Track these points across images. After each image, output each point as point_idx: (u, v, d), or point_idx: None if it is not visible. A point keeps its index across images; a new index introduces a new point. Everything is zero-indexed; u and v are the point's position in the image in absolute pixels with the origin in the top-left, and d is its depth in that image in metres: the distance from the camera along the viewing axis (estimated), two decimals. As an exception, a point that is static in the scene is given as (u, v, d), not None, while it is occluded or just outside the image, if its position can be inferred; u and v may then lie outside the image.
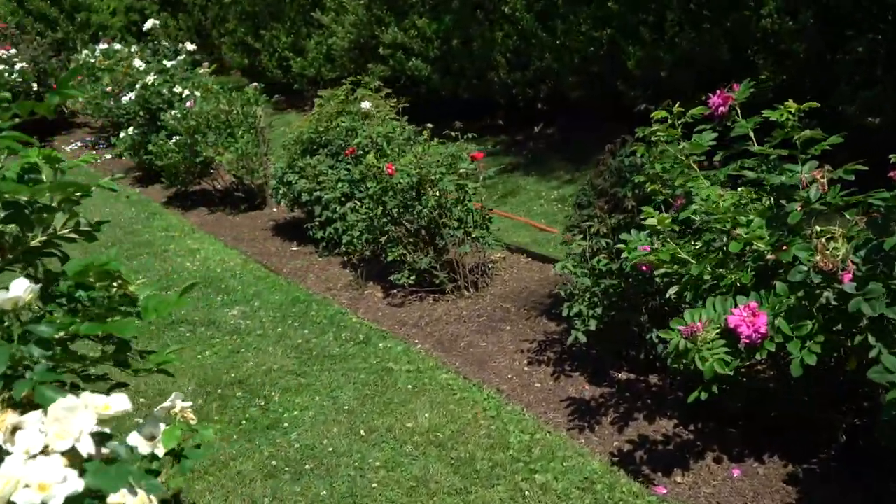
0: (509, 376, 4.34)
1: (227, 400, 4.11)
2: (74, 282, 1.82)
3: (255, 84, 7.93)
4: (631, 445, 3.65)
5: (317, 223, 6.27)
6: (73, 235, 1.94)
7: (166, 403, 1.92)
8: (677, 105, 3.63)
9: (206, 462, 3.55)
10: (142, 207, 7.69)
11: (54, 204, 2.13)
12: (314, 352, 4.64)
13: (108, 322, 1.70)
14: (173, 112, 7.48)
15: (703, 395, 3.04)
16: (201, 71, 8.73)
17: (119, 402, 1.50)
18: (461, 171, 5.28)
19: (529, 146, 8.73)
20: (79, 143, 10.85)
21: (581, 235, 4.32)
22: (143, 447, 1.91)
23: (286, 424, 3.86)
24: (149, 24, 9.07)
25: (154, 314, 1.82)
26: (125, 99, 8.35)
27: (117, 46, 9.86)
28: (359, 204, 5.76)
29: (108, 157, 9.90)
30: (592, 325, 4.08)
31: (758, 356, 2.96)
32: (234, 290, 5.58)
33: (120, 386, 2.40)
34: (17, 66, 10.00)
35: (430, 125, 5.62)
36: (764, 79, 6.46)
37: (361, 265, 5.96)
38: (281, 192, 6.50)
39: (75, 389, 2.12)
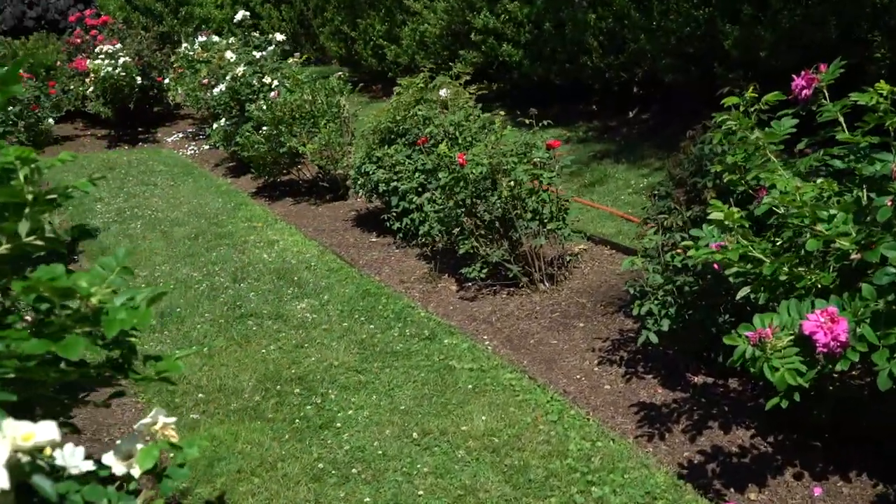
0: (578, 377, 4.09)
1: (285, 397, 4.02)
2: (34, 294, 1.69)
3: (340, 73, 7.86)
4: (702, 457, 3.36)
5: (394, 214, 6.14)
6: (39, 243, 1.81)
7: (146, 419, 1.79)
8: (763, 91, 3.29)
9: (253, 462, 3.45)
10: (230, 198, 7.75)
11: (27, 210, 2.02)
12: (377, 348, 4.50)
13: (57, 341, 1.56)
14: (258, 103, 7.49)
15: (784, 404, 2.72)
16: (291, 61, 8.73)
17: (46, 431, 1.36)
18: (535, 160, 5.03)
19: (622, 132, 8.36)
20: (180, 135, 11.10)
21: (655, 228, 4.02)
22: (119, 467, 1.79)
23: (339, 424, 3.73)
24: (239, 16, 9.13)
25: (117, 329, 1.68)
26: (216, 90, 8.44)
27: (215, 38, 9.99)
28: (435, 195, 5.59)
29: (206, 147, 10.06)
30: (665, 325, 3.78)
31: (838, 367, 2.63)
32: (305, 282, 5.50)
33: (117, 395, 2.30)
34: (121, 60, 10.28)
35: (501, 112, 5.40)
36: (879, 57, 5.97)
37: (437, 257, 5.79)
38: (360, 182, 6.40)
39: (53, 406, 2.03)
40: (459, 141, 5.50)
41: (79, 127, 11.65)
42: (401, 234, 6.23)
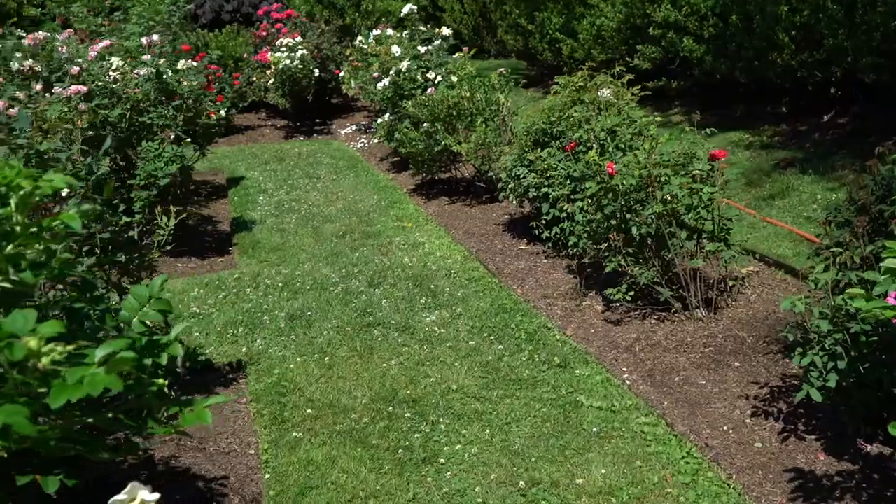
0: (724, 427, 3.52)
1: (394, 421, 3.70)
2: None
3: (502, 70, 7.47)
4: (868, 551, 2.73)
5: (543, 222, 5.70)
6: (5, 285, 1.56)
7: (121, 496, 1.50)
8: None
9: (345, 496, 3.16)
10: (386, 195, 7.57)
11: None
12: (502, 372, 4.10)
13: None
14: (415, 99, 7.25)
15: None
16: (457, 56, 8.44)
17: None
18: (695, 172, 4.44)
19: (813, 138, 7.46)
20: (353, 127, 11.13)
21: (826, 263, 3.36)
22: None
23: (443, 460, 3.38)
24: (406, 10, 8.93)
25: (63, 399, 1.38)
26: (379, 85, 8.29)
27: (389, 32, 9.87)
28: (583, 204, 5.10)
29: (375, 141, 9.99)
30: (832, 381, 3.14)
31: None
32: (441, 291, 5.18)
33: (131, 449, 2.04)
34: (299, 53, 10.41)
35: (657, 116, 4.81)
36: None
37: (586, 271, 5.31)
38: (510, 185, 6.00)
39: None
40: (609, 148, 4.97)
41: (261, 117, 11.96)
42: (550, 244, 5.79)
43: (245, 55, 11.65)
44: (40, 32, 5.99)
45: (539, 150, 5.84)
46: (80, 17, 11.48)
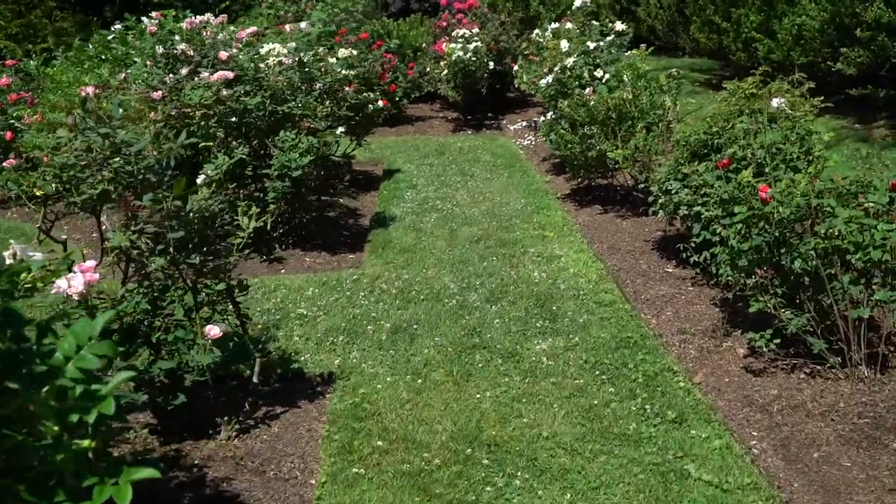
0: (864, 532, 2.81)
1: (469, 467, 3.27)
2: None
3: (674, 70, 6.74)
4: None
5: (692, 244, 5.02)
6: None
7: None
8: None
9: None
10: (535, 199, 7.08)
11: None
12: (604, 422, 3.55)
13: None
14: (572, 99, 6.70)
15: None
16: (630, 53, 7.77)
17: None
18: (868, 205, 3.66)
19: None
20: (524, 123, 10.67)
21: None
22: None
23: (507, 526, 2.91)
24: (578, 2, 8.33)
25: None
26: (542, 82, 7.79)
27: (569, 25, 9.32)
28: (730, 231, 4.40)
29: (542, 139, 9.49)
30: None
31: None
32: (562, 315, 4.66)
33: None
34: (472, 45, 10.08)
35: (828, 133, 4.03)
36: None
37: (734, 305, 4.61)
38: (660, 201, 5.35)
39: None
40: (768, 169, 4.23)
41: (434, 108, 11.77)
42: (699, 270, 5.11)
43: (423, 45, 11.48)
44: (198, 17, 6.00)
45: (696, 163, 5.15)
46: (269, 3, 11.75)
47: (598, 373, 3.98)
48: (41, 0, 15.49)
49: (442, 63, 10.44)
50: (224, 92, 5.49)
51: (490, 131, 10.41)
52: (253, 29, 5.95)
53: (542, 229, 6.27)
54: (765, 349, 3.94)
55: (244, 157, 5.46)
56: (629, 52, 8.00)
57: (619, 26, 7.87)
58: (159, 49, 5.74)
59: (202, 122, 5.38)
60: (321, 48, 7.27)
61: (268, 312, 4.82)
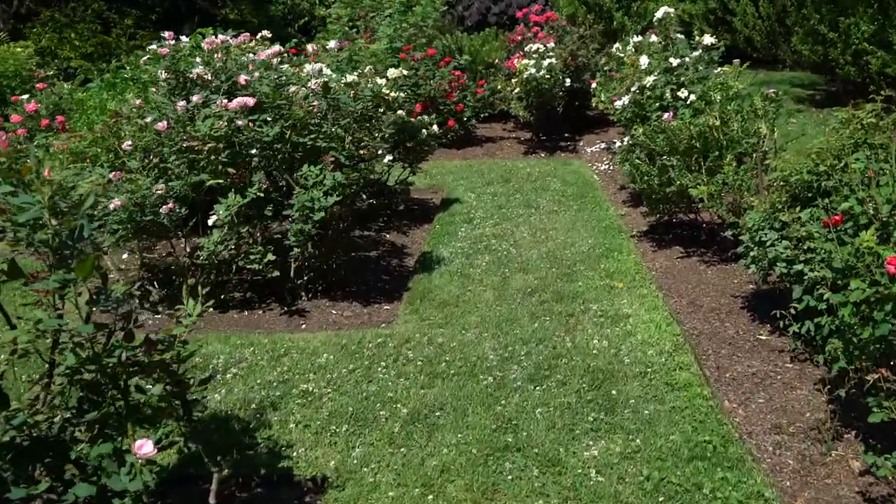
0: None
1: None
2: None
3: (773, 91, 5.65)
4: None
5: (791, 311, 3.98)
6: None
7: None
8: None
9: None
10: (606, 238, 6.09)
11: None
12: (665, 582, 2.59)
13: None
14: (648, 125, 5.70)
15: None
16: (721, 70, 6.71)
17: None
18: None
19: None
20: (602, 145, 9.65)
21: None
22: None
23: None
24: (660, 13, 7.28)
25: None
26: (618, 104, 6.80)
27: (654, 38, 8.29)
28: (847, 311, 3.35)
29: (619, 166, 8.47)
30: None
31: None
32: (624, 403, 3.69)
33: None
34: (546, 62, 9.15)
35: None
36: None
37: (851, 393, 3.56)
38: (752, 253, 4.32)
39: None
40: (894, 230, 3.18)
41: (507, 128, 10.86)
42: (800, 343, 4.06)
43: (497, 61, 10.60)
44: (220, 35, 5.29)
45: (797, 209, 4.11)
46: (332, 19, 11.08)
47: (660, 499, 3.00)
48: (121, 19, 15.30)
49: (513, 81, 9.53)
50: (240, 122, 4.74)
51: (565, 154, 9.43)
52: (275, 49, 5.20)
53: (609, 278, 5.29)
54: (890, 477, 2.90)
55: (257, 195, 4.69)
56: (721, 67, 6.94)
57: (708, 39, 6.80)
58: (162, 74, 5.04)
59: (212, 157, 4.64)
60: (368, 67, 6.47)
61: (269, 386, 4.01)
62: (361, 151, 5.46)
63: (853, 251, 3.12)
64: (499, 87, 9.93)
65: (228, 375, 4.14)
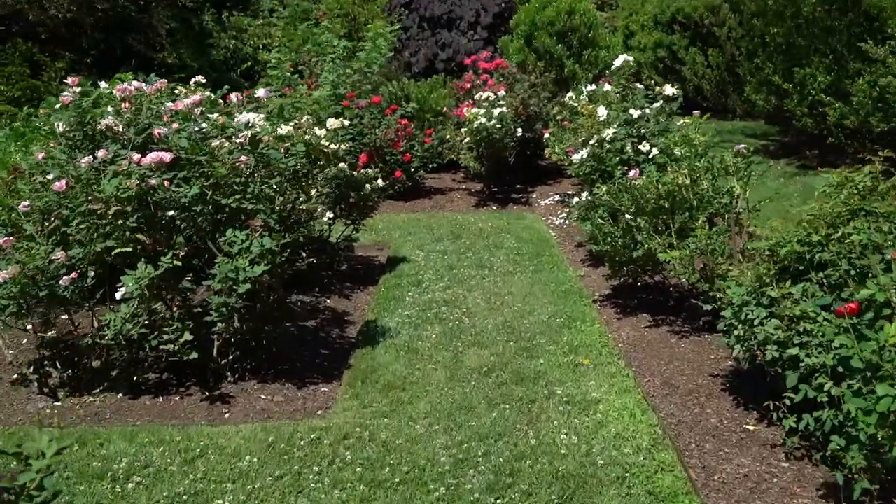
0: None
1: None
2: None
3: (742, 147, 5.20)
4: None
5: (786, 402, 3.46)
6: None
7: None
8: None
9: None
10: (567, 304, 5.55)
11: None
12: None
13: None
14: (610, 183, 5.20)
15: None
16: (682, 122, 6.29)
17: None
18: None
19: None
20: (556, 197, 9.18)
21: None
22: None
23: None
24: (618, 62, 6.87)
25: None
26: (575, 157, 6.33)
27: (608, 87, 7.87)
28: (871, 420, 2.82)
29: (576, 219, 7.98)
30: None
31: None
32: (601, 520, 3.10)
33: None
34: (497, 111, 8.68)
35: None
36: None
37: (862, 500, 3.02)
38: (736, 331, 3.79)
39: None
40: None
41: (457, 178, 10.34)
42: (795, 438, 3.53)
43: (445, 109, 10.10)
44: (134, 82, 4.65)
45: (788, 283, 3.61)
46: (275, 72, 10.46)
47: None
48: (53, 62, 14.50)
49: (463, 130, 9.03)
50: (153, 181, 4.09)
51: (517, 206, 8.93)
52: (196, 97, 4.58)
53: (573, 353, 4.72)
54: None
55: (172, 264, 4.03)
56: (682, 118, 6.53)
57: (669, 90, 6.40)
58: (59, 126, 4.38)
59: (119, 222, 3.97)
60: (305, 117, 5.89)
61: (177, 500, 3.32)
62: (300, 209, 4.85)
63: (877, 348, 2.60)
64: (448, 136, 9.42)
65: (130, 485, 3.44)
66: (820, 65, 8.80)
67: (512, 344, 4.87)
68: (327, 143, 5.93)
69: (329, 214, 5.95)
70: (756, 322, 3.67)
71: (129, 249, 3.99)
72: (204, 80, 7.03)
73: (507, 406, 4.06)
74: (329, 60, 10.20)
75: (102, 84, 5.27)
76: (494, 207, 8.92)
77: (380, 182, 6.46)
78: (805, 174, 8.90)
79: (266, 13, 18.48)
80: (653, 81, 12.00)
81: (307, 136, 5.73)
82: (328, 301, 5.89)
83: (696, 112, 6.61)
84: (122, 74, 5.86)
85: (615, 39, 11.43)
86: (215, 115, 4.97)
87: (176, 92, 6.93)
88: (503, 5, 12.34)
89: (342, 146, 6.05)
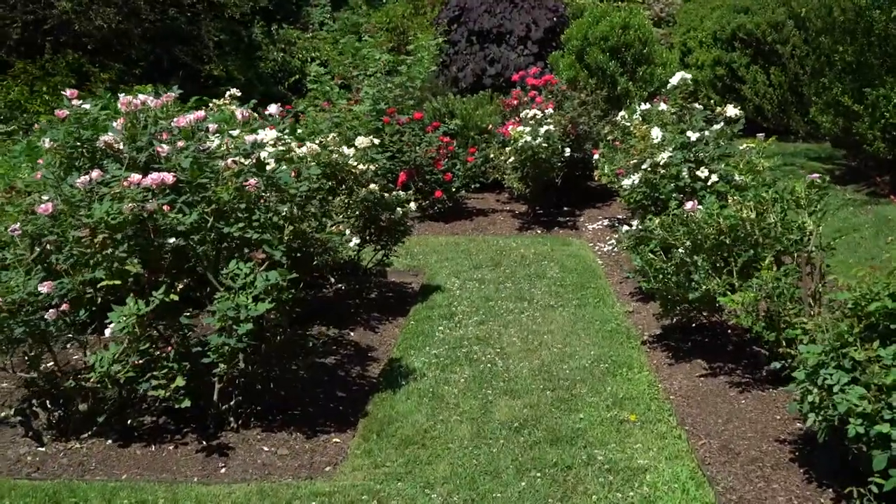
0: None
1: None
2: None
3: (816, 175, 4.57)
4: None
5: (872, 489, 2.85)
6: None
7: None
8: None
9: None
10: (614, 346, 4.97)
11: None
12: None
13: None
14: (665, 214, 4.62)
15: None
16: (745, 146, 5.67)
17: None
18: None
19: None
20: (605, 221, 8.58)
21: None
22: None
23: None
24: (675, 79, 6.27)
25: None
26: (626, 182, 5.76)
27: (663, 106, 7.27)
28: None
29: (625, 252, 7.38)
30: None
31: None
32: None
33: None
34: (543, 129, 8.14)
35: None
36: None
37: None
38: (811, 398, 3.19)
39: None
40: None
41: (501, 199, 9.79)
42: (885, 532, 2.92)
43: (490, 126, 9.58)
44: (141, 96, 4.24)
45: (876, 344, 3.00)
46: (314, 86, 10.09)
47: None
48: (101, 72, 14.37)
49: (508, 149, 8.50)
50: (149, 205, 3.65)
51: (563, 231, 8.36)
52: (199, 114, 4.13)
53: (618, 407, 4.14)
54: None
55: (165, 299, 3.58)
56: (744, 141, 5.93)
57: (732, 111, 5.80)
58: (45, 142, 3.97)
59: (108, 252, 3.53)
60: (332, 135, 5.44)
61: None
62: (313, 238, 4.37)
63: None
64: (492, 155, 8.89)
65: (99, 559, 2.98)
66: (895, 86, 8.07)
67: (549, 393, 4.31)
68: (355, 163, 5.47)
69: (356, 240, 5.47)
70: (836, 388, 3.07)
71: (118, 282, 3.54)
72: (239, 94, 6.65)
73: (539, 474, 3.50)
74: (369, 74, 9.78)
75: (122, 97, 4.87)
76: (539, 231, 8.36)
77: (412, 206, 5.97)
78: (877, 203, 8.15)
79: (316, 26, 18.24)
80: (710, 101, 11.36)
81: (335, 156, 5.29)
82: (352, 334, 5.40)
83: (761, 135, 6.00)
84: (141, 87, 5.50)
85: (671, 56, 10.76)
86: (237, 132, 4.53)
87: (215, 104, 6.56)
88: (555, 19, 11.79)
89: (371, 166, 5.58)
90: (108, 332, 3.68)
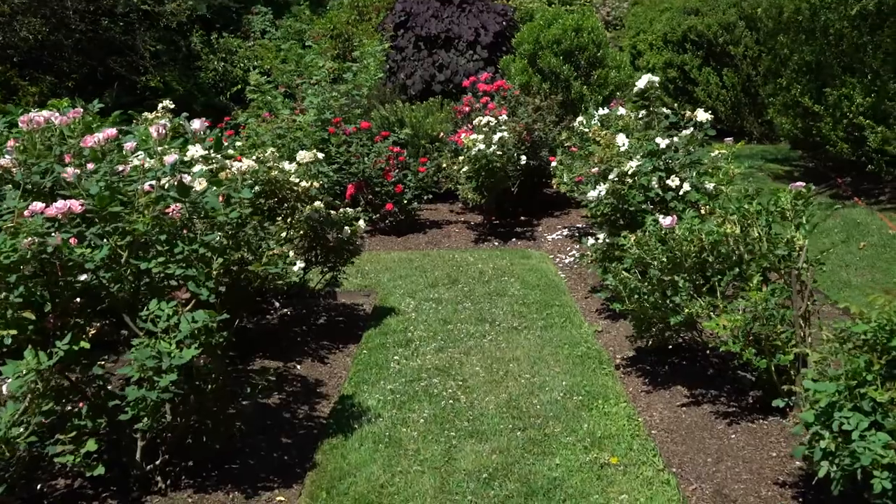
0: None
1: None
2: None
3: (802, 185, 4.18)
4: None
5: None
6: None
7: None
8: None
9: None
10: (586, 371, 4.54)
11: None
12: None
13: None
14: (641, 231, 4.19)
15: None
16: (716, 153, 5.30)
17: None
18: None
19: None
20: (565, 232, 8.18)
21: None
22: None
23: None
24: (642, 83, 5.88)
25: None
26: (591, 194, 5.34)
27: (622, 111, 6.88)
28: None
29: (590, 258, 6.96)
30: None
31: None
32: None
33: None
34: (496, 137, 7.71)
35: None
36: None
37: None
38: (823, 443, 2.77)
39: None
40: None
41: (455, 210, 9.33)
42: None
43: (441, 134, 9.11)
44: (45, 112, 3.68)
45: (894, 383, 2.59)
46: (255, 96, 9.53)
47: None
48: (31, 85, 13.56)
49: (461, 158, 8.04)
50: (53, 238, 3.09)
51: (522, 242, 7.94)
52: (110, 132, 3.57)
53: (597, 448, 3.69)
54: None
55: (72, 348, 3.02)
56: (712, 147, 5.56)
57: (702, 115, 5.40)
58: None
59: (1, 297, 2.97)
60: (270, 150, 4.91)
61: None
62: (247, 271, 3.84)
63: None
64: (444, 164, 8.43)
65: None
66: (856, 85, 7.81)
67: (519, 434, 3.84)
68: (297, 180, 4.95)
69: (300, 264, 4.95)
70: (853, 435, 2.65)
71: (14, 332, 2.97)
72: (173, 105, 6.10)
73: (513, 539, 3.03)
74: (315, 83, 9.24)
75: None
76: (496, 243, 7.92)
77: (362, 223, 5.46)
78: (842, 206, 7.88)
79: (258, 34, 17.57)
80: (663, 104, 11.04)
81: (274, 173, 4.76)
82: (299, 367, 4.87)
83: (729, 139, 5.63)
84: (56, 101, 4.90)
85: (624, 58, 10.43)
86: (160, 149, 3.97)
87: (145, 117, 5.98)
88: (504, 23, 11.38)
89: (315, 183, 5.06)
90: (3, 389, 3.10)
